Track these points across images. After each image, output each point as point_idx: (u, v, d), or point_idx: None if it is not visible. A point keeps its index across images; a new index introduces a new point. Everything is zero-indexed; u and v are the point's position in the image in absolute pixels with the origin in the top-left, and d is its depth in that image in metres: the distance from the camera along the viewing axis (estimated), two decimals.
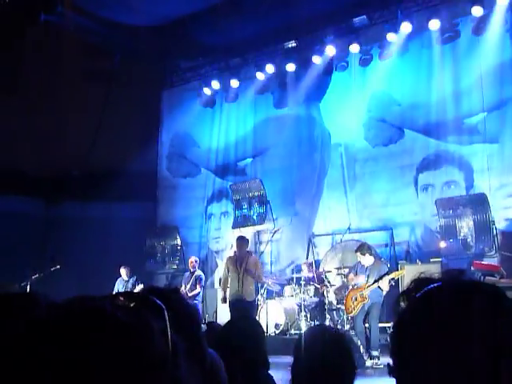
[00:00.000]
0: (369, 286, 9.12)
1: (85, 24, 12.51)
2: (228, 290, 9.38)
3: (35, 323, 0.76)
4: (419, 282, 1.02)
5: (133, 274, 12.09)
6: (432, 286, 1.00)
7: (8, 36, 11.72)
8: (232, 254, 9.93)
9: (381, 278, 9.09)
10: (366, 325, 9.03)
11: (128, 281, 11.98)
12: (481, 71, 11.21)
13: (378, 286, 9.07)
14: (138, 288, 11.58)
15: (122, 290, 11.87)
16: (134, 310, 0.81)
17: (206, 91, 14.51)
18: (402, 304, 1.02)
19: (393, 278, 9.37)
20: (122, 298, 0.89)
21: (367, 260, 9.13)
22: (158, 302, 0.89)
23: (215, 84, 14.33)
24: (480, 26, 11.32)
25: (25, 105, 13.22)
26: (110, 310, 0.78)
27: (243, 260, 9.35)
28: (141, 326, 0.79)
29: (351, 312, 9.23)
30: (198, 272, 11.39)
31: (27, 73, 12.72)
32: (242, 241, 9.63)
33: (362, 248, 9.23)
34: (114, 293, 11.47)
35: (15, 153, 13.59)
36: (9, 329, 0.82)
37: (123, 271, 12.03)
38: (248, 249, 9.80)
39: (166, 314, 0.85)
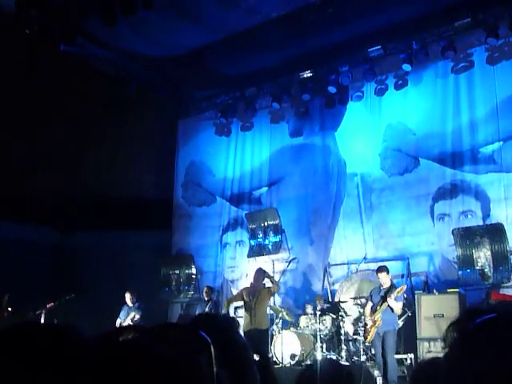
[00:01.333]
0: (378, 308, 9.15)
1: (102, 54, 12.70)
2: (241, 320, 9.58)
3: (88, 363, 0.76)
4: (471, 315, 1.00)
5: (137, 299, 12.05)
6: (487, 317, 0.98)
7: (26, 65, 11.92)
8: (248, 285, 10.11)
9: (385, 297, 9.11)
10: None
11: (131, 307, 11.95)
12: (496, 100, 11.22)
13: (390, 308, 9.08)
14: (138, 316, 11.61)
15: (123, 316, 11.88)
16: (180, 344, 0.81)
17: (222, 120, 14.62)
18: (452, 335, 0.99)
19: (405, 305, 9.38)
20: (169, 331, 0.89)
21: (386, 279, 9.30)
22: (204, 336, 0.89)
23: (231, 113, 14.44)
24: (495, 55, 11.38)
25: (38, 132, 13.35)
26: (156, 348, 0.77)
27: (256, 292, 9.84)
28: (186, 363, 0.79)
29: (366, 338, 9.29)
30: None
31: (44, 101, 12.87)
32: (258, 273, 10.08)
33: (381, 267, 9.48)
34: (118, 321, 11.56)
35: (30, 181, 13.70)
36: (45, 364, 0.82)
37: (128, 296, 12.01)
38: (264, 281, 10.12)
39: (211, 349, 0.85)
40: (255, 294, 9.95)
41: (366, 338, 9.46)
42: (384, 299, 9.16)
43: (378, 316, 9.18)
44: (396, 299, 9.07)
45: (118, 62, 13.26)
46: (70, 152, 14.09)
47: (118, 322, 11.88)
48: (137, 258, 13.86)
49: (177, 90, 15.20)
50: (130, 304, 11.96)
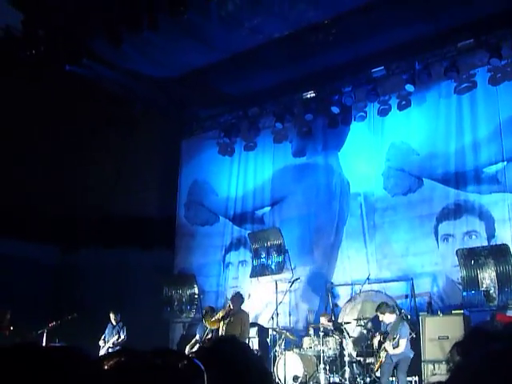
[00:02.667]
0: (384, 348, 9.19)
1: (107, 74, 12.78)
2: None
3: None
4: (475, 336, 0.97)
5: (121, 319, 12.18)
6: (497, 346, 0.95)
7: (32, 85, 11.99)
8: (227, 308, 10.46)
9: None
10: (394, 378, 8.97)
11: (115, 326, 12.02)
12: (499, 121, 11.22)
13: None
14: (122, 336, 11.70)
15: (108, 335, 11.94)
16: (173, 370, 0.79)
17: (225, 140, 14.65)
18: (455, 357, 0.96)
19: (411, 334, 9.41)
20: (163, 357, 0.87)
21: (388, 318, 9.33)
22: (198, 364, 0.87)
23: (234, 133, 14.48)
24: (497, 76, 11.42)
25: (42, 151, 13.39)
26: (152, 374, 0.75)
27: (230, 314, 10.21)
28: None
29: (375, 368, 9.37)
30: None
31: (48, 120, 12.93)
32: (233, 297, 10.60)
33: (381, 307, 9.50)
34: (103, 339, 11.63)
35: (32, 199, 13.70)
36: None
37: (112, 316, 12.08)
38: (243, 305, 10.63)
39: (204, 376, 0.83)
40: (226, 319, 10.26)
41: (375, 366, 9.51)
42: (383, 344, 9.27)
43: (382, 353, 9.25)
44: (400, 336, 9.10)
45: (123, 82, 13.34)
46: (73, 170, 14.10)
47: (101, 341, 11.95)
48: (139, 277, 13.80)
49: (180, 110, 15.27)
50: (114, 323, 12.04)
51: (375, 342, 9.57)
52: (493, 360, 0.94)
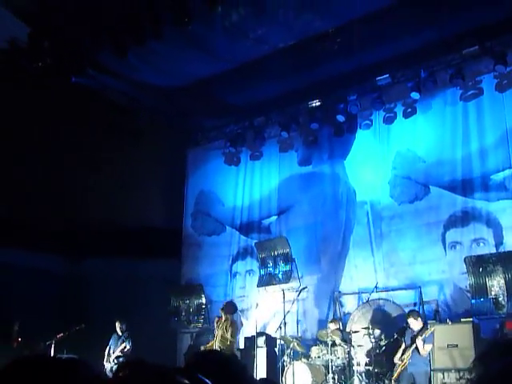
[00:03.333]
0: (405, 348, 9.07)
1: (113, 85, 12.83)
2: None
3: None
4: (495, 348, 0.95)
5: (127, 329, 12.14)
6: None
7: (38, 96, 12.05)
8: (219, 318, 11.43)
9: (414, 338, 9.04)
10: None
11: (121, 336, 11.98)
12: (506, 127, 11.19)
13: (417, 349, 8.99)
14: (128, 346, 11.69)
15: (113, 345, 11.89)
16: None
17: (231, 150, 14.66)
18: (476, 369, 0.95)
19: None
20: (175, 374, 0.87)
21: (417, 324, 9.24)
22: (204, 380, 0.87)
23: (240, 143, 14.49)
24: (503, 82, 11.40)
25: (49, 161, 13.44)
26: None
27: (219, 321, 11.22)
28: None
29: (394, 376, 9.25)
30: None
31: (54, 131, 12.99)
32: (225, 305, 11.55)
33: (413, 312, 9.46)
34: (108, 348, 11.73)
35: (39, 209, 13.74)
36: None
37: (117, 325, 12.04)
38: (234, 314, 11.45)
39: None
40: (218, 323, 11.26)
41: (393, 375, 9.41)
42: (413, 341, 9.09)
43: (406, 356, 9.13)
44: (425, 341, 8.98)
45: (128, 92, 13.38)
46: (80, 180, 14.14)
47: (107, 350, 11.91)
48: (146, 288, 13.80)
49: (186, 120, 15.30)
50: (120, 333, 12.00)
51: (400, 350, 9.41)
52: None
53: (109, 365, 11.67)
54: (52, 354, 10.37)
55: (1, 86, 11.47)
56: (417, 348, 8.98)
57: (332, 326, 10.87)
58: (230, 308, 11.47)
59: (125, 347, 11.82)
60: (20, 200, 13.12)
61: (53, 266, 14.97)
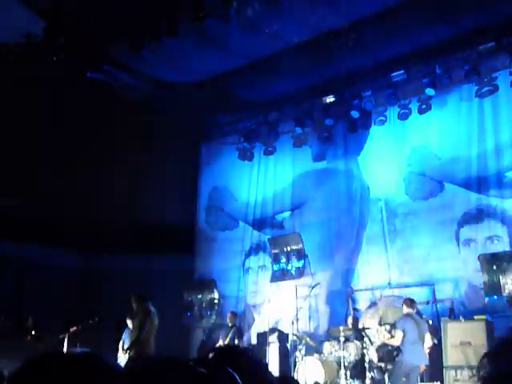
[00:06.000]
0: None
1: (127, 80, 12.87)
2: None
3: None
4: (505, 347, 0.96)
5: None
6: None
7: (53, 92, 12.13)
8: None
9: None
10: None
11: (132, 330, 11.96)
12: None
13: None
14: None
15: (126, 338, 11.87)
16: (208, 378, 0.80)
17: (245, 145, 14.65)
18: (486, 367, 0.95)
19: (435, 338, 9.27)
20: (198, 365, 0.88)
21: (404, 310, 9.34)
22: (232, 373, 0.88)
23: (254, 138, 14.48)
24: None
25: (63, 157, 13.52)
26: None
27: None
28: None
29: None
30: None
31: (68, 127, 13.05)
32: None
33: (406, 300, 9.49)
34: (122, 343, 11.78)
35: (54, 206, 13.83)
36: None
37: (129, 321, 12.03)
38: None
39: (238, 381, 0.84)
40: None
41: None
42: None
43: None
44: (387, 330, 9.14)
45: (143, 88, 13.40)
46: (94, 176, 14.21)
47: (120, 343, 11.94)
48: (159, 283, 13.86)
49: (200, 115, 15.30)
50: (131, 326, 12.02)
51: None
52: None
53: (123, 359, 11.73)
54: (65, 348, 10.43)
55: (16, 81, 11.55)
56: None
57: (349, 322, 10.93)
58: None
59: None
60: (36, 196, 13.21)
61: (67, 262, 15.07)
